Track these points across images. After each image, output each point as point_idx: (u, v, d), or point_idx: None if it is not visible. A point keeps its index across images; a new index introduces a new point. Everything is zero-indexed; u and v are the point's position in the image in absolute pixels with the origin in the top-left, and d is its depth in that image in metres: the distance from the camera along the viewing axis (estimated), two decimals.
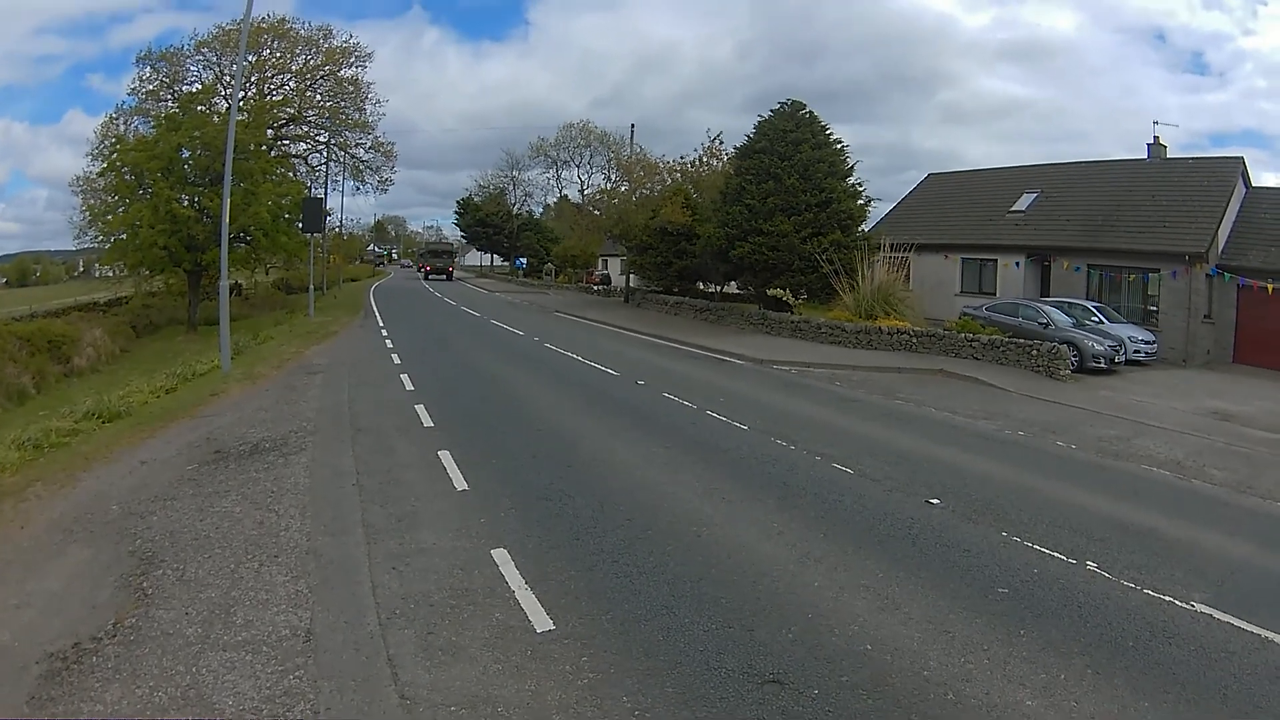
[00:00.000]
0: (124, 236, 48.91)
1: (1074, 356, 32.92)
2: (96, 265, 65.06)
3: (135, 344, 48.64)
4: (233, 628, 8.58)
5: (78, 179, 56.12)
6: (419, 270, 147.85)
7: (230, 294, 34.84)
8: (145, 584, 9.62)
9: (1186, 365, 38.25)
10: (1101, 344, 33.86)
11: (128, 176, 49.07)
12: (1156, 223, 41.94)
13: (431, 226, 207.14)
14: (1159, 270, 40.73)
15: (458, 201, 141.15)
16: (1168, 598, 10.51)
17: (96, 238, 52.40)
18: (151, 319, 56.19)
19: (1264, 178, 61.65)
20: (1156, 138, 49.02)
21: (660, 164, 60.88)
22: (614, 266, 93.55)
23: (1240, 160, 44.85)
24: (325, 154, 74.70)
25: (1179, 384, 31.93)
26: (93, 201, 51.99)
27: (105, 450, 16.60)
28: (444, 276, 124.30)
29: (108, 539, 11.24)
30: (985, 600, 10.26)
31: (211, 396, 22.27)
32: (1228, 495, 16.51)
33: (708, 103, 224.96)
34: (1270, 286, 38.47)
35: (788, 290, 43.87)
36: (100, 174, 51.30)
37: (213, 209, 44.78)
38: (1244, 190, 44.09)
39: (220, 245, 29.46)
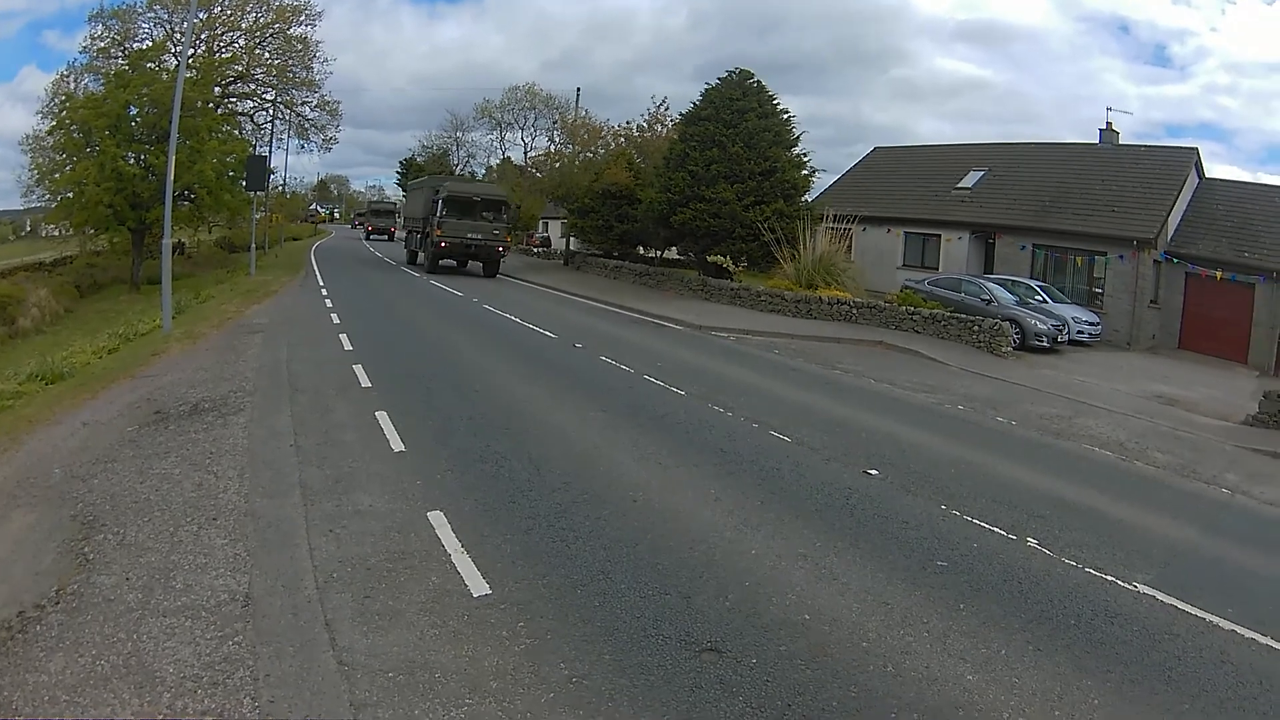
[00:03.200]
0: (70, 195, 48.47)
1: (1016, 334, 33.57)
2: (43, 224, 64.48)
3: (79, 304, 48.08)
4: (173, 592, 8.60)
5: (27, 137, 55.30)
6: (360, 230, 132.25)
7: (173, 253, 34.49)
8: (87, 549, 9.60)
9: (1130, 348, 38.89)
10: (1045, 323, 34.36)
11: (76, 134, 48.52)
12: (1105, 207, 42.51)
13: (374, 185, 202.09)
14: (1106, 254, 41.31)
15: (400, 161, 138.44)
16: (1110, 577, 10.73)
17: (43, 196, 51.92)
18: (96, 278, 55.49)
19: (1218, 170, 62.24)
20: (1110, 124, 49.81)
21: (605, 128, 60.99)
22: (554, 229, 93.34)
23: (1195, 151, 45.80)
24: (271, 112, 74.17)
25: (1123, 366, 32.52)
26: (41, 160, 51.44)
27: (48, 412, 16.52)
28: (386, 237, 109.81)
29: (50, 503, 11.19)
30: (924, 573, 10.42)
31: (153, 356, 22.09)
32: (1170, 479, 16.90)
33: (658, 71, 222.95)
34: (1220, 275, 39.14)
35: (728, 257, 44.15)
36: (49, 132, 50.78)
37: (158, 167, 44.51)
38: (1197, 181, 44.97)
39: (165, 203, 29.18)
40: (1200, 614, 9.81)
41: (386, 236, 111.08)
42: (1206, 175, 46.44)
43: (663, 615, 8.68)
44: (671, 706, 7.14)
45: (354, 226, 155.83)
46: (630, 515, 11.62)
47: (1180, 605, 10.01)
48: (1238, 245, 40.64)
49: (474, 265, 55.53)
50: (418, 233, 61.61)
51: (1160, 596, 10.22)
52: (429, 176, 74.94)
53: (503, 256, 54.94)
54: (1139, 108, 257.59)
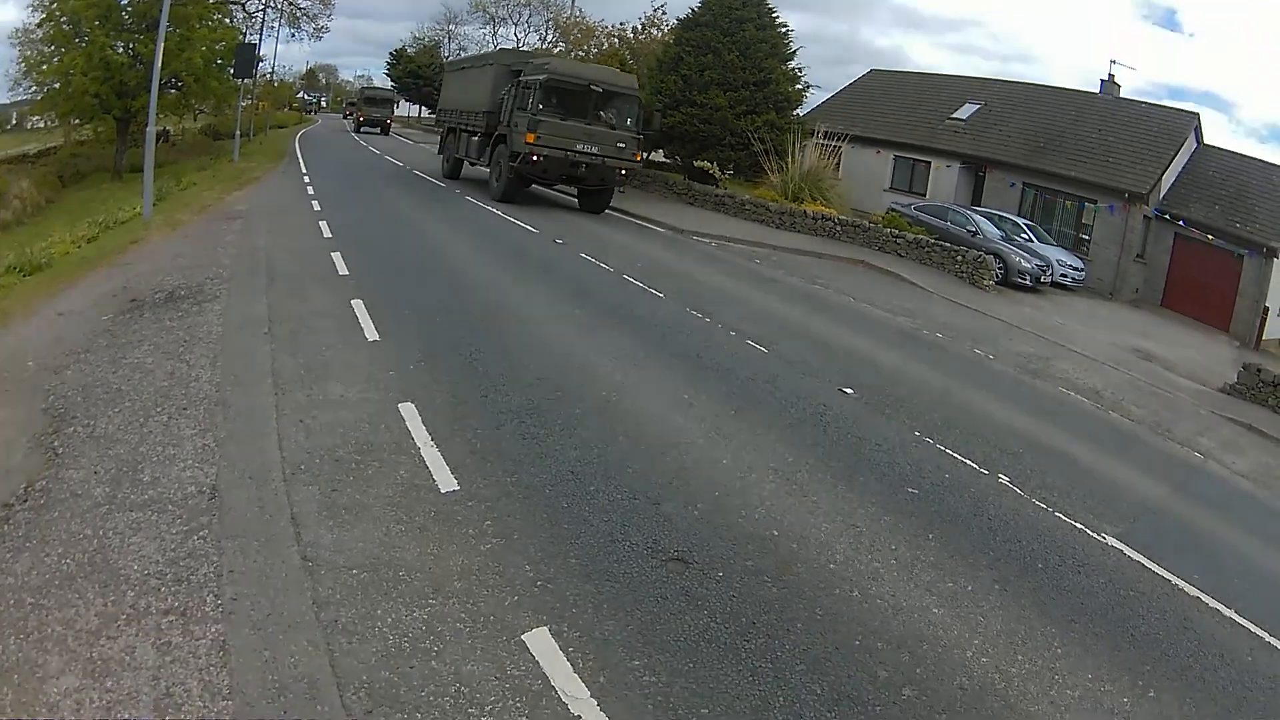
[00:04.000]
0: (57, 86, 48.19)
1: (1000, 269, 33.55)
2: (29, 117, 64.00)
3: (62, 194, 47.73)
4: (140, 486, 8.58)
5: (16, 31, 55.10)
6: (349, 120, 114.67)
7: (158, 140, 34.37)
8: (56, 443, 9.55)
9: (1113, 298, 39.12)
10: (1029, 261, 34.41)
11: (65, 26, 48.04)
12: (1100, 155, 42.55)
13: (363, 75, 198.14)
14: (1096, 202, 41.37)
15: (391, 52, 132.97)
16: (1079, 525, 10.86)
17: (30, 89, 51.58)
18: (79, 168, 55.08)
19: (1215, 139, 61.85)
20: (1111, 75, 49.75)
21: (599, 28, 60.38)
22: None
23: (1196, 116, 45.94)
24: (263, 1, 73.46)
25: (1104, 315, 32.90)
26: (29, 53, 51.15)
27: (24, 304, 16.28)
28: (379, 130, 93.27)
29: (22, 397, 11.09)
30: (894, 498, 10.52)
31: (131, 244, 21.88)
32: (1145, 434, 17.17)
33: None
34: (1211, 239, 39.17)
35: (715, 164, 44.08)
36: (39, 25, 50.35)
37: (146, 55, 43.79)
38: (1195, 145, 44.91)
39: (150, 91, 28.88)
40: (1166, 575, 9.93)
41: (379, 129, 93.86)
42: (1205, 143, 46.30)
43: (631, 520, 8.72)
44: (636, 615, 7.20)
45: (345, 117, 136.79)
46: (603, 415, 11.66)
47: (1147, 563, 10.14)
48: (1230, 215, 40.64)
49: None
50: (473, 132, 39.63)
51: (1128, 551, 10.35)
52: (497, 50, 60.15)
53: (624, 183, 34.97)
54: (1143, 66, 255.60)
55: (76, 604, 6.77)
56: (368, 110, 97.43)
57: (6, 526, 7.87)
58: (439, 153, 47.29)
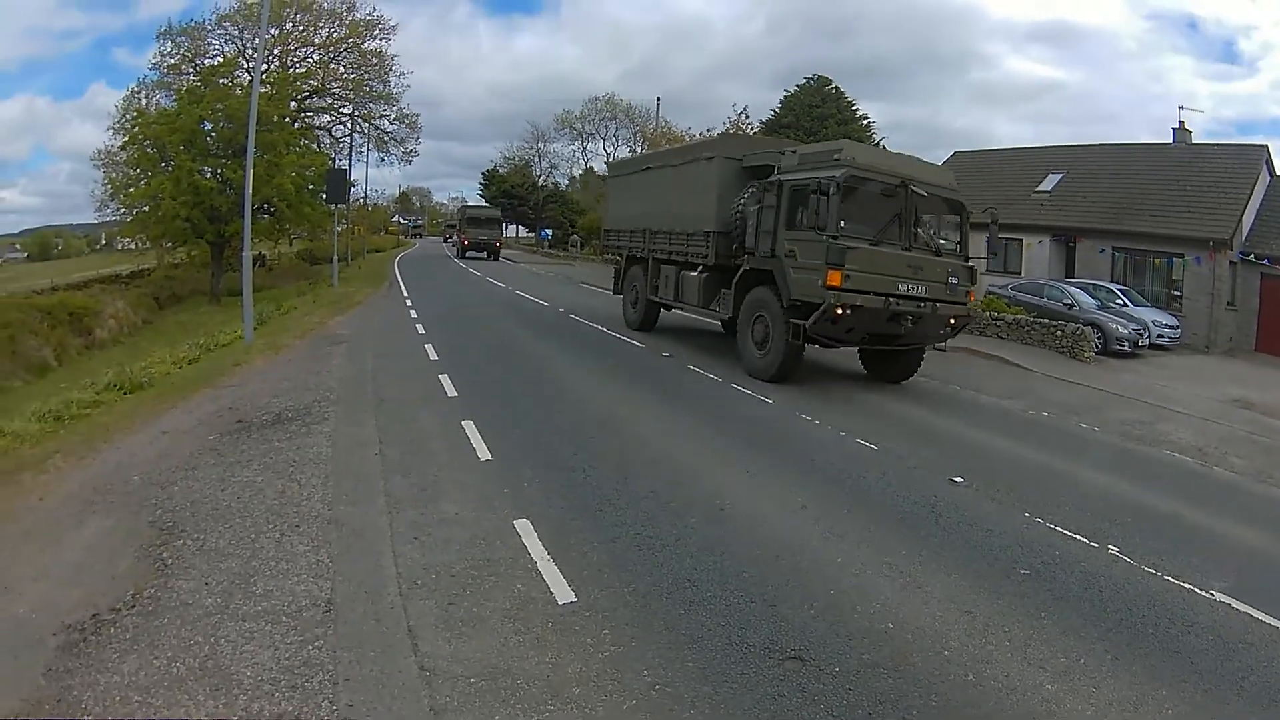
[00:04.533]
0: (146, 209, 49.39)
1: (1098, 338, 33.24)
2: (118, 238, 65.50)
3: (158, 315, 48.87)
4: (252, 597, 8.55)
5: (99, 152, 57.33)
6: (451, 244, 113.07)
7: (254, 265, 34.92)
8: (165, 554, 9.57)
9: (1209, 351, 38.64)
10: (1126, 327, 34.29)
11: (150, 149, 49.69)
12: (1181, 207, 42.17)
13: (456, 197, 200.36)
14: (1183, 255, 41.06)
15: (483, 172, 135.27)
16: (1187, 585, 10.50)
17: (118, 210, 53.29)
18: (174, 290, 56.44)
19: None
20: (1182, 122, 49.94)
21: (685, 137, 60.89)
22: None
23: (1265, 149, 45.40)
24: (349, 126, 74.97)
25: (1201, 370, 32.32)
26: (114, 175, 52.72)
27: (126, 421, 16.55)
28: (486, 254, 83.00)
29: (128, 509, 11.17)
30: (1007, 581, 10.25)
31: (234, 366, 22.24)
32: (1248, 484, 16.67)
33: (735, 77, 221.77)
34: None
35: None
36: (122, 147, 52.08)
37: (235, 180, 45.34)
38: (1268, 178, 44.31)
39: (244, 216, 29.43)
40: (1274, 622, 9.61)
41: (486, 254, 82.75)
42: (1278, 173, 45.95)
43: (747, 623, 8.55)
44: (753, 714, 7.05)
45: (445, 240, 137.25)
46: (717, 523, 11.48)
47: (1255, 613, 9.80)
48: None
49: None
50: (689, 265, 27.07)
51: (1236, 605, 10.01)
52: (709, 139, 45.31)
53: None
54: (1209, 105, 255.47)
55: (186, 704, 6.75)
56: (472, 232, 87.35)
57: (113, 629, 7.88)
58: (616, 291, 34.20)
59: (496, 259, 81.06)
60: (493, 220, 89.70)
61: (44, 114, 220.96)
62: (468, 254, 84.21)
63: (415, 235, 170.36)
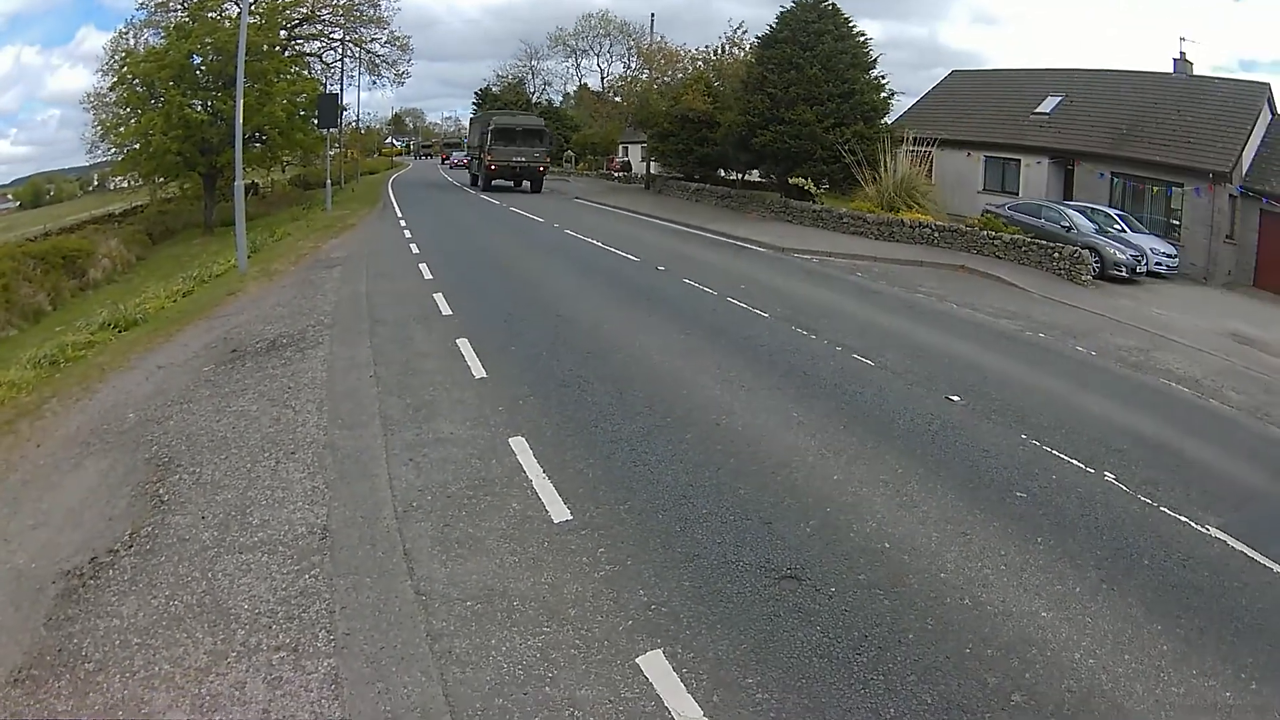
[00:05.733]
0: (136, 146, 49.13)
1: (1096, 262, 32.69)
2: (111, 178, 65.26)
3: (152, 251, 48.79)
4: (248, 529, 8.60)
5: (89, 95, 56.73)
6: (448, 166, 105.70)
7: (247, 194, 34.95)
8: (161, 490, 9.61)
9: (1207, 283, 37.88)
10: (1124, 252, 33.51)
11: (139, 88, 49.55)
12: (1181, 137, 41.13)
13: (450, 117, 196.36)
14: (1183, 185, 40.18)
15: (476, 92, 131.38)
16: (1184, 518, 10.41)
17: (109, 150, 52.81)
18: (167, 225, 56.49)
19: None
20: (1183, 53, 48.41)
21: (681, 52, 60.51)
22: (634, 154, 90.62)
23: (1267, 86, 43.97)
24: (340, 51, 74.26)
25: (1199, 301, 31.73)
26: (104, 116, 52.24)
27: (121, 359, 16.61)
28: (525, 184, 60.97)
29: (124, 448, 11.23)
30: (1003, 503, 10.26)
31: (228, 296, 22.22)
32: (1244, 419, 16.39)
33: None
34: None
35: (810, 180, 43.18)
36: (111, 88, 51.65)
37: (226, 112, 44.89)
38: (1269, 116, 43.43)
39: (235, 146, 29.34)
40: (1270, 564, 9.52)
41: (528, 183, 59.37)
42: (1279, 111, 45.15)
43: (743, 541, 8.59)
44: (749, 634, 7.07)
45: (416, 157, 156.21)
46: (713, 439, 11.49)
47: (1250, 553, 9.69)
48: None
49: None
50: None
51: (1231, 542, 9.90)
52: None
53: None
54: (1211, 40, 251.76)
55: (185, 643, 6.80)
56: (503, 151, 59.04)
57: (111, 572, 7.95)
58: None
59: (539, 190, 60.27)
60: (533, 133, 60.87)
61: (33, 64, 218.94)
62: (494, 183, 60.75)
63: (424, 156, 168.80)
